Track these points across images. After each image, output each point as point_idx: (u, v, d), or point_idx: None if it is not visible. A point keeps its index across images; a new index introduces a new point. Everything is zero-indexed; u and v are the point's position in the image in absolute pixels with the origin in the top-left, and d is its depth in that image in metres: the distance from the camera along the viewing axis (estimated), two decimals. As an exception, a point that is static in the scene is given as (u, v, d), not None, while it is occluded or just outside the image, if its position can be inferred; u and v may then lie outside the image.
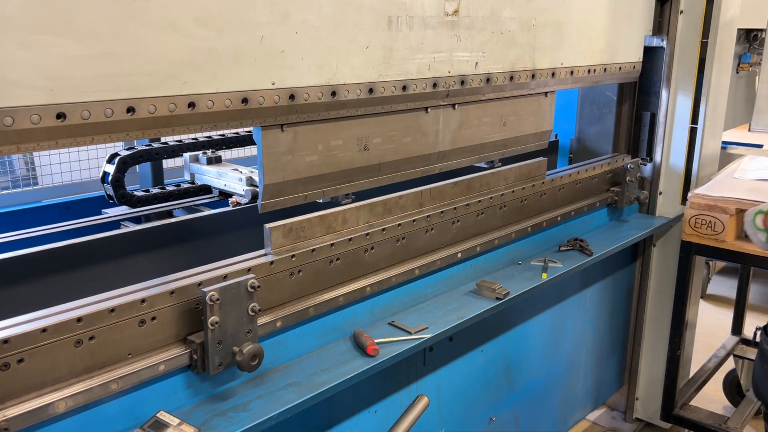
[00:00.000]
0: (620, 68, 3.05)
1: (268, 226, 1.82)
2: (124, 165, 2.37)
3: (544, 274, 2.56)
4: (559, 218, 2.84)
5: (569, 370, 3.25)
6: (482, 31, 2.26)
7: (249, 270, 1.75)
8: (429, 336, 2.04)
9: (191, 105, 1.55)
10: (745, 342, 3.83)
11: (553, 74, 2.63)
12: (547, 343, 3.01)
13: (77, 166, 3.46)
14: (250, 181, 2.30)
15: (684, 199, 3.31)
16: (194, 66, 1.54)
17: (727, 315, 5.17)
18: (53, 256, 2.02)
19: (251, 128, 1.77)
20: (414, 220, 2.20)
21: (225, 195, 2.44)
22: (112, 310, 1.50)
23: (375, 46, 1.94)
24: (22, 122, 1.30)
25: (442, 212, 2.30)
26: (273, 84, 1.71)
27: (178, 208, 2.45)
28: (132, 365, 1.54)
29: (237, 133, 2.83)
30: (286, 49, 1.72)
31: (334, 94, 1.86)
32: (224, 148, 2.68)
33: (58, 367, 1.43)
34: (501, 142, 2.54)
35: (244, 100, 1.66)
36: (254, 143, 2.85)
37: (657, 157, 3.34)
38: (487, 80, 2.34)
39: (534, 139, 2.70)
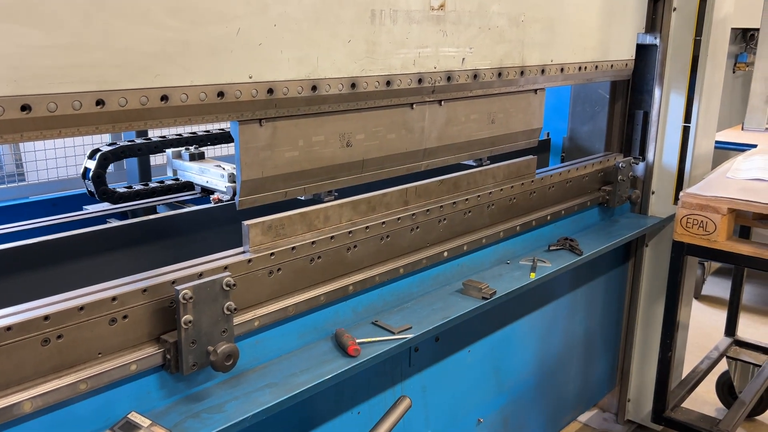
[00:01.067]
0: (612, 66, 3.01)
1: (246, 223, 1.78)
2: (105, 161, 2.32)
3: (532, 273, 2.52)
4: (548, 217, 2.80)
5: (559, 371, 3.20)
6: (469, 26, 2.22)
7: (225, 268, 1.71)
8: (412, 336, 2.00)
9: (164, 98, 1.51)
10: (739, 344, 3.79)
11: (543, 71, 2.59)
12: (537, 343, 2.97)
13: (64, 162, 3.42)
14: (232, 178, 2.26)
15: (677, 199, 3.27)
16: (167, 58, 1.50)
17: (721, 316, 5.13)
18: (29, 253, 1.98)
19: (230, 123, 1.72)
20: (399, 218, 2.16)
21: (207, 192, 2.40)
22: (82, 308, 1.46)
23: (357, 39, 1.90)
24: (-16, 114, 1.26)
25: (427, 210, 2.26)
26: (250, 78, 1.67)
27: (161, 205, 2.40)
28: (102, 365, 1.50)
29: (222, 129, 2.79)
30: (264, 42, 1.68)
31: (314, 88, 1.82)
32: (209, 145, 2.64)
33: (24, 366, 1.39)
34: (489, 139, 2.50)
35: (220, 94, 1.62)
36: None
37: (650, 156, 3.30)
38: (475, 76, 2.30)
39: (523, 137, 2.66)
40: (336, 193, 2.07)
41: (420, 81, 2.11)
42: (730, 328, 3.84)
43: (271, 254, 1.81)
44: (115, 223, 2.08)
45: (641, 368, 3.56)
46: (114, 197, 2.37)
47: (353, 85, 1.92)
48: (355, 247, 2.04)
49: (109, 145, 2.40)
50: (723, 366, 3.78)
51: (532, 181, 2.71)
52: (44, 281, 1.99)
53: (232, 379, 1.74)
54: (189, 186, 2.51)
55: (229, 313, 1.64)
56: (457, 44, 2.20)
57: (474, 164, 2.59)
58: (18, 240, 2.02)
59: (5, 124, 1.29)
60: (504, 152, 2.62)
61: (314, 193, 1.98)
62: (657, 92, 3.21)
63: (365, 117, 2.02)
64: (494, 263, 2.61)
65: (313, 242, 1.91)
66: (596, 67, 2.90)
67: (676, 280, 2.89)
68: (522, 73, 2.49)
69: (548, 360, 3.08)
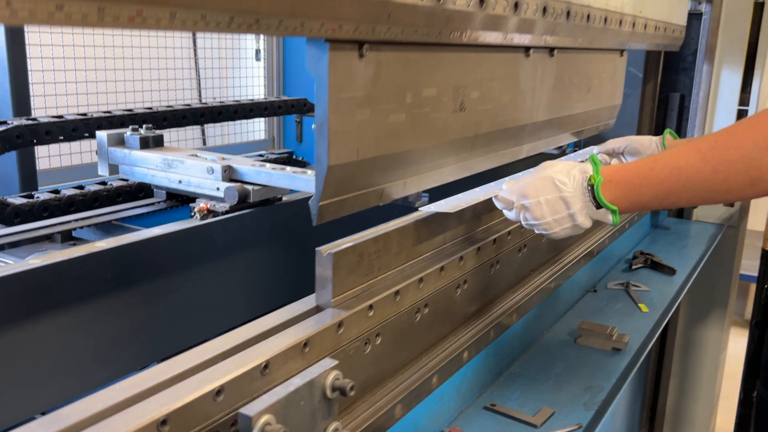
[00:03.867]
0: (673, 30, 2.39)
1: (329, 250, 0.91)
2: (-10, 150, 1.33)
3: (641, 305, 1.81)
4: (626, 226, 2.11)
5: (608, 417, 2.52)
6: (589, -63, 1.48)
7: (305, 345, 0.83)
8: (572, 429, 1.20)
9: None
10: None
11: (634, 25, 1.90)
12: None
13: None
14: (229, 173, 1.35)
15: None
16: None
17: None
18: None
19: (304, 40, 0.85)
20: (509, 233, 1.35)
21: (180, 199, 1.47)
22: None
23: None
24: None
25: (535, 219, 1.47)
26: (360, -52, 0.81)
27: (89, 226, 1.43)
28: None
29: (171, 107, 1.84)
30: None
31: (440, -6, 0.99)
32: (154, 128, 1.67)
33: None
34: (583, 116, 1.77)
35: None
36: (200, 122, 1.88)
37: (693, 147, 2.71)
38: (588, 17, 1.55)
39: (606, 115, 1.96)
40: (427, 194, 1.24)
41: (544, 11, 1.33)
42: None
43: (370, 308, 0.95)
44: (30, 263, 1.10)
45: (679, 405, 2.96)
46: (5, 214, 1.37)
47: (482, 1, 1.10)
48: (465, 283, 1.21)
49: (-5, 123, 1.40)
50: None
51: (614, 176, 2.00)
52: None
53: None
54: (129, 191, 1.55)
55: (334, 445, 0.77)
56: (579, -37, 1.45)
57: (555, 152, 1.84)
58: None
59: None
60: (589, 135, 1.89)
61: (413, 192, 1.14)
62: (705, 69, 2.63)
63: (481, 62, 1.21)
64: (580, 292, 1.87)
65: (420, 280, 1.07)
66: (665, 29, 2.26)
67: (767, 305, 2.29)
68: (621, 23, 1.78)
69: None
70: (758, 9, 2.54)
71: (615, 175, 1.06)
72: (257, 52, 3.76)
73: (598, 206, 1.06)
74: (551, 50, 1.47)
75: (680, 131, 2.77)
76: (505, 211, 1.16)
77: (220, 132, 3.22)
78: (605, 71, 1.84)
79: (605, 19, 1.67)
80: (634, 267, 2.09)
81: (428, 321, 1.12)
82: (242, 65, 3.48)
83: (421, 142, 1.07)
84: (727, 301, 2.78)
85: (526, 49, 1.36)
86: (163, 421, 0.65)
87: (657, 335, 1.64)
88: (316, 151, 0.88)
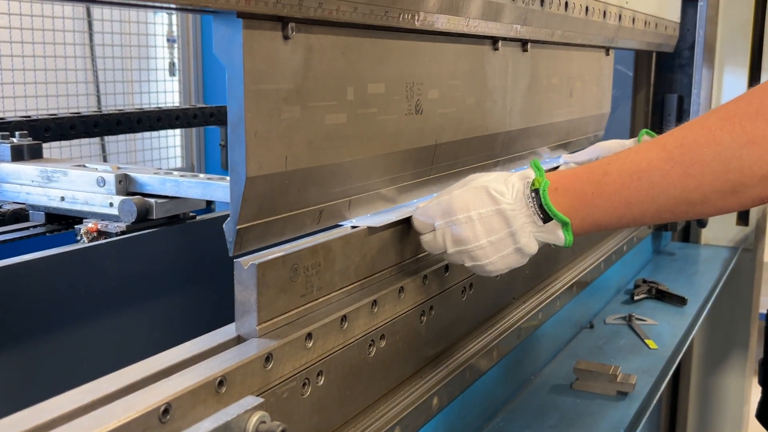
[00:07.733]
0: (666, 27, 2.42)
1: (247, 262, 0.84)
2: None
3: (648, 341, 1.77)
4: (624, 248, 2.09)
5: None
6: None
7: (221, 384, 0.75)
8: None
9: None
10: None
11: (620, 18, 1.91)
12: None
13: None
14: (125, 185, 1.26)
15: (743, 219, 2.73)
16: None
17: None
18: None
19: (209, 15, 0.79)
20: (483, 249, 1.30)
21: (63, 222, 1.37)
22: None
23: None
24: None
25: (514, 234, 1.42)
26: None
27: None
28: None
29: (54, 115, 1.74)
30: None
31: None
32: (34, 141, 1.56)
33: None
34: (565, 125, 1.76)
35: None
36: (94, 134, 1.80)
37: (696, 158, 2.73)
38: (566, 5, 1.55)
39: (593, 126, 1.97)
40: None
41: (515, -10, 1.31)
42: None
43: (308, 337, 0.88)
44: None
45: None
46: None
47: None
48: (431, 309, 1.15)
49: None
50: None
51: (607, 188, 1.98)
52: None
53: None
54: (5, 220, 1.45)
55: None
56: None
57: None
58: None
59: None
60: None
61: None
62: (705, 65, 2.67)
63: (439, 54, 1.20)
64: (572, 328, 1.83)
65: (374, 303, 1.00)
66: (656, 25, 2.29)
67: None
68: (604, 14, 1.79)
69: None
70: (763, -6, 2.61)
71: (561, 182, 0.95)
72: (172, 65, 3.72)
73: (546, 219, 0.94)
74: (524, 44, 1.45)
75: (680, 140, 2.80)
76: (422, 239, 1.04)
77: (125, 159, 3.13)
78: (589, 73, 1.85)
79: (586, 9, 1.67)
80: (636, 298, 2.07)
81: (386, 357, 1.05)
82: (154, 77, 3.43)
83: (368, 150, 1.02)
84: (747, 341, 2.78)
85: (494, 41, 1.34)
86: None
87: (670, 375, 1.59)
88: (230, 160, 0.82)
